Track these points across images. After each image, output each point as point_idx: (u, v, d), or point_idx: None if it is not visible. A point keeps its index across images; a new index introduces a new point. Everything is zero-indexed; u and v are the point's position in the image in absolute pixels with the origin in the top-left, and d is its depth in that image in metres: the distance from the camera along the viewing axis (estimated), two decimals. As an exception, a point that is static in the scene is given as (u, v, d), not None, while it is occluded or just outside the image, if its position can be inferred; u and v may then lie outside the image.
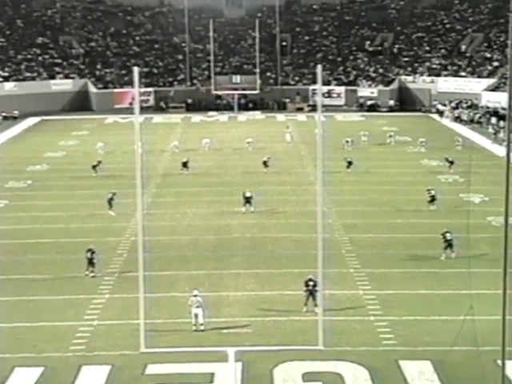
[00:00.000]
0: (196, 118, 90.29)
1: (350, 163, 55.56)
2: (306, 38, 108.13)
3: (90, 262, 34.86)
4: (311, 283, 29.87)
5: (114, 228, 42.78)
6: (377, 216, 44.96)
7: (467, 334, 27.16)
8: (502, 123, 71.29)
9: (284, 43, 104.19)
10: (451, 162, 55.29)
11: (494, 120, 76.78)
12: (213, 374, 25.45)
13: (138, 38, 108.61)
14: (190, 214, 45.94)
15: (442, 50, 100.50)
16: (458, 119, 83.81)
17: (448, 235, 36.71)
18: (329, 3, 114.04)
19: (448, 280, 34.03)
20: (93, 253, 35.02)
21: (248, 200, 45.60)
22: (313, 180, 49.69)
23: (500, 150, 59.07)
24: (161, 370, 25.89)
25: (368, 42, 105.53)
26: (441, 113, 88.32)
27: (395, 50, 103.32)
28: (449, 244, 36.60)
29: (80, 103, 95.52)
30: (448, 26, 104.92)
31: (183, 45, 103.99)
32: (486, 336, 25.92)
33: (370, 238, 40.58)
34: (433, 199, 45.84)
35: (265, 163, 56.55)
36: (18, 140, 76.32)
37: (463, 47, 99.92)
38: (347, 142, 64.93)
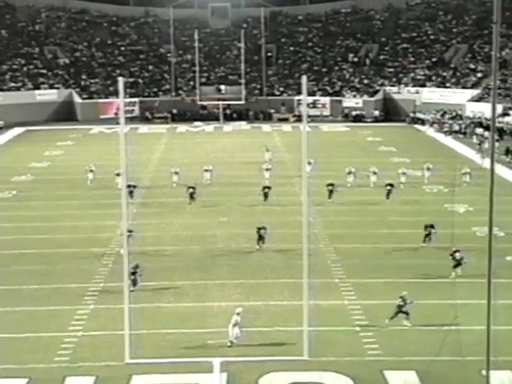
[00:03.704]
0: (181, 128, 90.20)
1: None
2: (291, 48, 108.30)
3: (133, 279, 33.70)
4: (400, 299, 30.13)
5: (99, 238, 42.65)
6: (362, 226, 45.03)
7: (452, 344, 27.23)
8: (486, 134, 71.57)
9: (269, 54, 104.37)
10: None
11: (478, 130, 77.05)
12: (198, 385, 25.48)
13: (123, 49, 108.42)
14: (176, 225, 45.88)
15: (427, 61, 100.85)
16: (442, 130, 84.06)
17: (457, 255, 35.87)
18: (314, 14, 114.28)
19: (433, 290, 34.07)
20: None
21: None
22: (298, 190, 49.73)
23: (484, 161, 59.23)
24: (146, 380, 25.85)
25: (353, 53, 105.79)
26: (425, 123, 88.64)
27: (380, 61, 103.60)
28: (458, 263, 35.73)
29: (65, 113, 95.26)
30: (432, 37, 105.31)
31: (168, 55, 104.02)
32: (470, 346, 25.97)
33: (355, 248, 40.64)
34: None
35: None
36: (2, 150, 76.02)
37: (447, 58, 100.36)
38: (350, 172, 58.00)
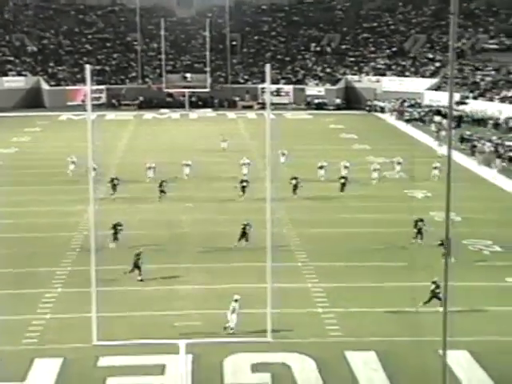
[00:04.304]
0: (148, 115, 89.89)
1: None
2: (256, 37, 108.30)
3: (136, 266, 33.91)
4: (433, 285, 29.57)
5: (66, 223, 42.42)
6: (324, 211, 45.15)
7: (410, 326, 27.47)
8: (444, 121, 72.03)
9: (234, 43, 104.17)
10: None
11: (436, 118, 77.54)
12: (164, 366, 25.47)
13: (90, 37, 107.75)
14: (142, 210, 45.75)
15: (387, 51, 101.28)
16: (401, 117, 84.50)
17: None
18: (277, 4, 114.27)
19: (392, 273, 34.30)
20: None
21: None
22: (262, 176, 49.69)
23: (442, 148, 59.61)
24: (113, 362, 25.82)
25: (315, 43, 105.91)
26: (385, 111, 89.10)
27: (341, 51, 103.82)
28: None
29: (33, 100, 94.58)
30: (392, 27, 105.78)
31: (135, 43, 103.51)
32: (427, 327, 26.20)
33: (318, 232, 40.76)
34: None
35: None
36: (-30, 136, 75.39)
37: (407, 48, 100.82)
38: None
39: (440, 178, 49.01)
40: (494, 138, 66.92)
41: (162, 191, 47.79)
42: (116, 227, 37.97)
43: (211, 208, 45.83)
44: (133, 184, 51.61)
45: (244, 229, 37.72)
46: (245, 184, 48.25)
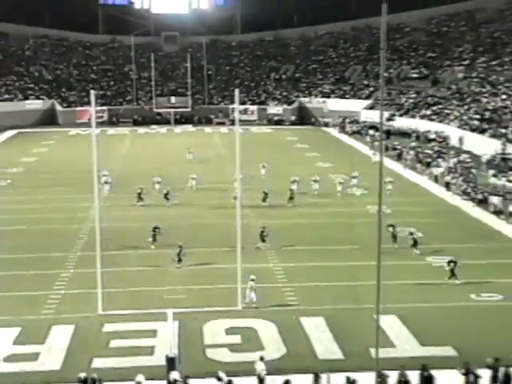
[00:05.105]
0: (141, 130, 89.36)
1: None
2: (227, 68, 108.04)
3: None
4: (451, 264, 30.25)
5: (76, 217, 42.09)
6: (283, 205, 44.97)
7: (351, 296, 27.61)
8: (376, 134, 72.38)
9: (210, 72, 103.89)
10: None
11: (370, 132, 77.89)
12: (155, 331, 25.44)
13: (94, 68, 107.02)
14: (138, 206, 45.47)
15: (331, 78, 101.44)
16: (343, 131, 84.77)
17: (414, 235, 35.09)
18: (244, 41, 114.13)
19: (338, 255, 34.37)
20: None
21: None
22: (232, 179, 49.60)
23: (376, 156, 59.87)
24: (115, 328, 25.80)
25: (274, 72, 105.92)
26: (330, 126, 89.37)
27: (295, 78, 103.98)
28: (414, 241, 34.82)
29: (49, 119, 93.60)
30: (335, 59, 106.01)
31: (131, 73, 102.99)
32: (364, 297, 26.35)
33: (277, 223, 40.67)
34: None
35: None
36: (-1, 148, 74.66)
37: (347, 76, 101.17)
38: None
39: (391, 191, 46.41)
40: (413, 144, 67.61)
41: (166, 198, 45.22)
42: (155, 230, 35.98)
43: (204, 209, 45.66)
44: (131, 186, 50.93)
45: (262, 232, 35.68)
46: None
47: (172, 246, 34.15)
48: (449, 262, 30.58)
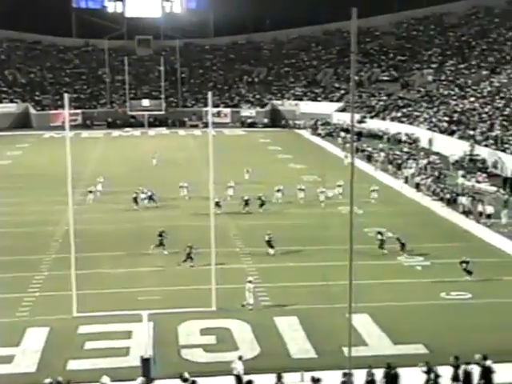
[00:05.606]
0: (115, 133, 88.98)
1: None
2: (200, 71, 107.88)
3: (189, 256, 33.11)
4: (464, 265, 30.61)
5: (51, 220, 41.70)
6: (253, 208, 44.74)
7: (324, 296, 27.66)
8: (348, 136, 72.64)
9: (183, 75, 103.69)
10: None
11: (342, 134, 78.24)
12: (130, 332, 25.30)
13: (68, 71, 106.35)
14: (113, 208, 45.24)
15: (303, 81, 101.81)
16: (315, 133, 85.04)
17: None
18: (217, 44, 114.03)
19: (311, 255, 34.41)
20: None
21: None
22: (205, 179, 49.39)
23: (348, 157, 59.97)
24: (90, 329, 25.59)
25: (247, 75, 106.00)
26: (302, 128, 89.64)
27: (268, 81, 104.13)
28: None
29: (22, 122, 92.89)
30: (307, 63, 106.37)
31: (104, 76, 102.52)
32: (337, 296, 26.41)
33: (252, 224, 40.64)
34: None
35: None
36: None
37: (318, 79, 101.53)
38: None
39: (376, 199, 46.14)
40: (382, 146, 68.12)
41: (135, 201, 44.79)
42: (161, 234, 34.98)
43: (166, 206, 45.51)
44: (105, 187, 50.75)
45: (269, 240, 34.88)
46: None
47: (144, 247, 33.92)
48: (461, 263, 30.83)
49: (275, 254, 34.65)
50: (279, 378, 20.58)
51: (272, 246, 34.92)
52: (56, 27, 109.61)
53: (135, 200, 44.96)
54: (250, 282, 28.02)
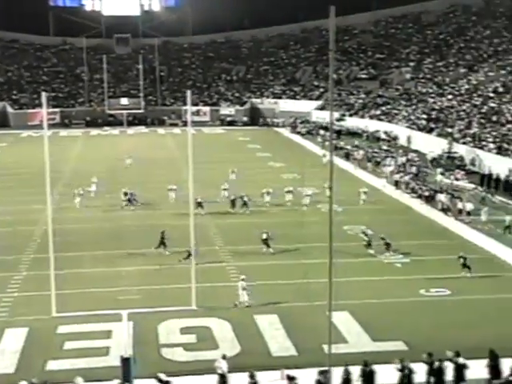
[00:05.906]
0: (94, 132, 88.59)
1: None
2: (179, 69, 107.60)
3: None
4: (461, 260, 30.75)
5: (28, 220, 41.37)
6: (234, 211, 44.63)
7: (304, 294, 27.69)
8: (327, 134, 72.81)
9: (162, 73, 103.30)
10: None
11: (321, 132, 78.43)
12: (110, 331, 25.17)
13: (46, 70, 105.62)
14: (91, 207, 45.01)
15: (282, 79, 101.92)
16: (295, 131, 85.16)
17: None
18: (195, 43, 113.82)
19: (290, 254, 34.36)
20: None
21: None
22: (185, 178, 49.24)
23: (327, 156, 60.04)
24: (69, 329, 25.41)
25: (226, 73, 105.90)
26: (281, 126, 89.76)
27: (247, 79, 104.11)
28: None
29: (0, 121, 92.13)
30: (286, 61, 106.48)
31: (82, 75, 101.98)
32: (317, 294, 26.46)
33: (231, 223, 40.66)
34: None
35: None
36: (-51, 151, 72.98)
37: (297, 77, 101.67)
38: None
39: (365, 201, 45.77)
40: (359, 143, 68.41)
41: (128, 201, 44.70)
42: (163, 234, 34.71)
43: (147, 205, 45.37)
44: (83, 186, 50.32)
45: (266, 238, 34.71)
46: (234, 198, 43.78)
47: (123, 247, 33.76)
48: (459, 258, 31.11)
49: (265, 253, 34.49)
50: (252, 376, 20.57)
51: (268, 246, 34.68)
52: (33, 26, 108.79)
53: (129, 200, 44.80)
54: (242, 280, 27.98)
